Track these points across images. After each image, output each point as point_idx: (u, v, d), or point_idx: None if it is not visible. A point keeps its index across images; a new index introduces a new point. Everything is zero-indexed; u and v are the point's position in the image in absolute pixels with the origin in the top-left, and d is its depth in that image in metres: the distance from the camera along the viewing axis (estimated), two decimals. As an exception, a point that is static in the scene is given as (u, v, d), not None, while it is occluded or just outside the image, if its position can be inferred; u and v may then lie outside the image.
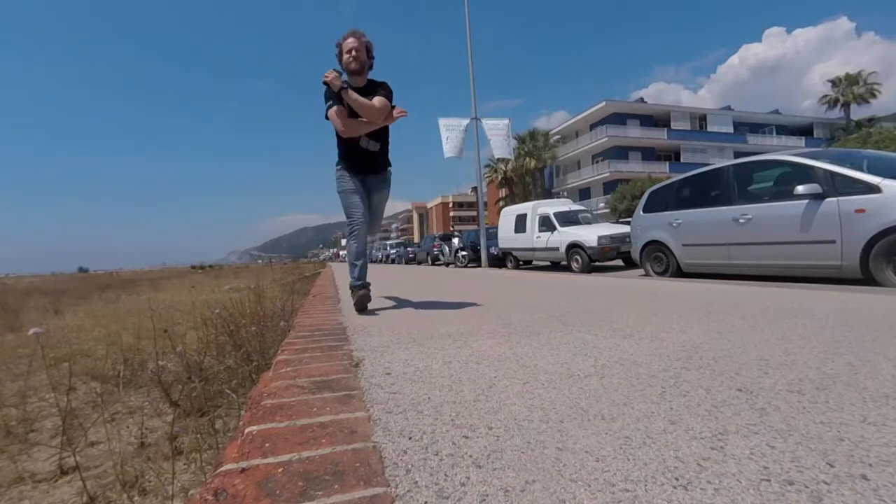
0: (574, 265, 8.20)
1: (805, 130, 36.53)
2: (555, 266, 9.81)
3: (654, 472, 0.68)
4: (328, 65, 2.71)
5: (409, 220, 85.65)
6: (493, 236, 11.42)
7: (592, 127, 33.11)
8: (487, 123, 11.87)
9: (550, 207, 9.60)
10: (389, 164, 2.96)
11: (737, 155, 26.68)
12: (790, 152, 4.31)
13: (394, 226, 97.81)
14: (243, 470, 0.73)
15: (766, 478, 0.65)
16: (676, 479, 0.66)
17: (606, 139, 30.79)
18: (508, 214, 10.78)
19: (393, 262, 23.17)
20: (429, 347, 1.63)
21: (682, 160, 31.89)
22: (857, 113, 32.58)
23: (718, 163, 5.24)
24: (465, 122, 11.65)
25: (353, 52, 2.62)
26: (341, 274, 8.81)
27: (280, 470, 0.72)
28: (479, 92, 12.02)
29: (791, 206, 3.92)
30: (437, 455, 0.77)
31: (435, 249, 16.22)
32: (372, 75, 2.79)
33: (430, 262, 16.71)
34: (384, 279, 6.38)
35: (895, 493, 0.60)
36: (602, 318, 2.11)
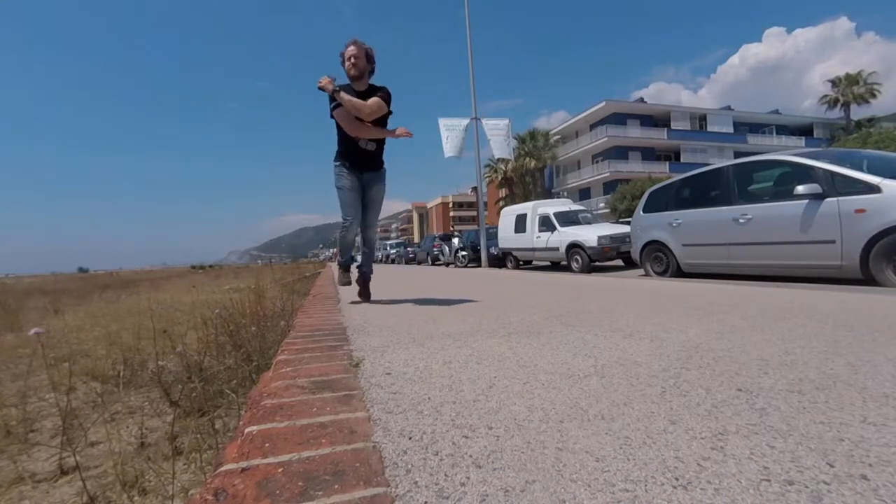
0: (574, 265, 8.20)
1: (805, 130, 36.53)
2: (555, 266, 9.82)
3: (654, 472, 0.68)
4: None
5: (409, 220, 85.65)
6: (493, 236, 11.42)
7: (592, 127, 33.11)
8: (487, 123, 11.87)
9: (550, 207, 9.60)
10: (383, 164, 3.20)
11: (737, 155, 26.67)
12: (790, 152, 4.31)
13: (394, 226, 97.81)
14: (243, 470, 0.73)
15: (766, 478, 0.65)
16: (676, 479, 0.66)
17: (606, 139, 30.79)
18: (508, 214, 10.78)
19: (393, 262, 23.17)
20: (429, 347, 1.63)
21: (682, 160, 31.90)
22: (857, 113, 32.61)
23: (718, 163, 5.24)
24: (465, 122, 11.66)
25: (353, 59, 2.83)
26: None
27: (280, 470, 0.72)
28: (479, 92, 12.03)
29: (791, 206, 3.92)
30: (437, 455, 0.77)
31: (435, 249, 16.23)
32: (375, 80, 3.00)
33: (430, 262, 16.72)
34: (384, 279, 6.38)
35: (895, 493, 0.60)
36: (602, 318, 2.11)
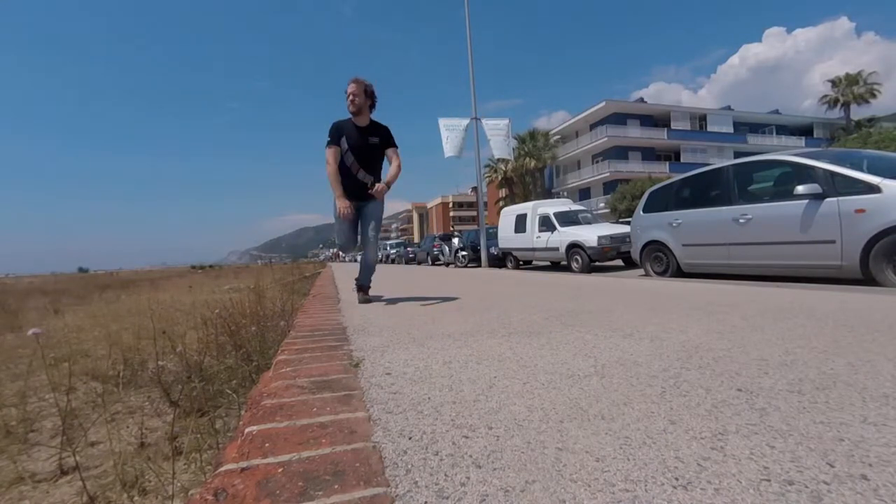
0: (574, 265, 8.20)
1: (805, 130, 36.51)
2: (555, 266, 9.81)
3: (654, 472, 0.68)
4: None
5: (409, 220, 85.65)
6: (493, 236, 11.41)
7: (592, 127, 33.09)
8: (487, 123, 11.86)
9: (550, 207, 9.60)
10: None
11: (737, 155, 26.68)
12: (790, 152, 4.30)
13: (394, 226, 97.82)
14: (243, 470, 0.73)
15: (766, 478, 0.65)
16: (676, 479, 0.66)
17: (606, 139, 30.78)
18: (508, 214, 10.78)
19: (393, 262, 23.17)
20: (429, 347, 1.63)
21: (682, 160, 31.88)
22: (857, 113, 32.59)
23: (718, 163, 5.23)
24: (465, 121, 11.65)
25: (352, 97, 3.03)
26: (341, 274, 8.81)
27: (280, 470, 0.72)
28: (479, 92, 12.02)
29: (791, 206, 3.92)
30: (437, 455, 0.77)
31: (435, 249, 16.22)
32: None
33: (430, 262, 16.71)
34: (384, 279, 6.38)
35: (895, 493, 0.60)
36: (602, 318, 2.11)
